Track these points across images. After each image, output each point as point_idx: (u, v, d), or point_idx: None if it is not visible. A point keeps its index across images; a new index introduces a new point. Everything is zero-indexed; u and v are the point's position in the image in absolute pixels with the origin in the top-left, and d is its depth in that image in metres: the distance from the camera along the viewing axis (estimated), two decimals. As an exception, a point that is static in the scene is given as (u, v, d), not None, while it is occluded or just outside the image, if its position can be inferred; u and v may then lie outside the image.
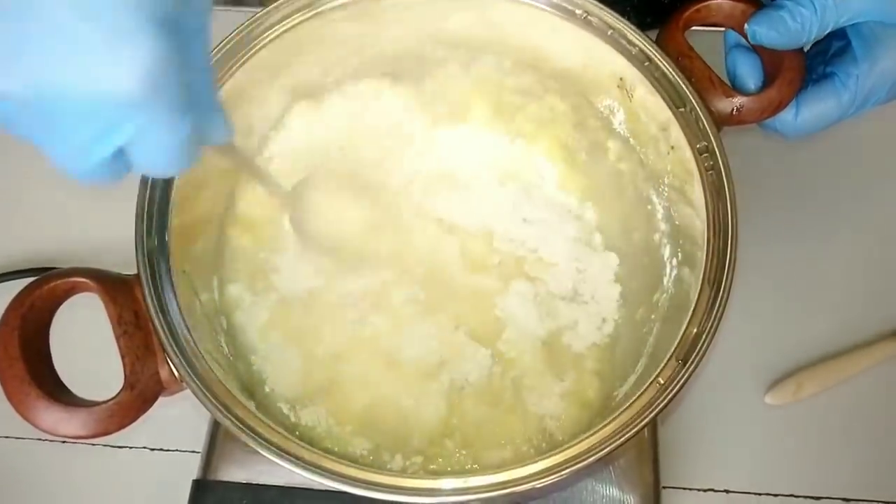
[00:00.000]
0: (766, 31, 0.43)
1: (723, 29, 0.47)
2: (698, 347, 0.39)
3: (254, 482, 0.47)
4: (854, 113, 0.45)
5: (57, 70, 0.27)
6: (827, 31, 0.43)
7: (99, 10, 0.27)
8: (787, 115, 0.45)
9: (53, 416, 0.37)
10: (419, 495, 0.37)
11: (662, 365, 0.39)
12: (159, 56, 0.27)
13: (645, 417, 0.38)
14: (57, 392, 0.38)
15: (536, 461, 0.38)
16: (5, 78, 0.27)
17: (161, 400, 0.40)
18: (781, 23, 0.42)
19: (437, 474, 0.41)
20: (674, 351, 0.39)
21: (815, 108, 0.45)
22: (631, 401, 0.39)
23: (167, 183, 0.42)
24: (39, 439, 0.55)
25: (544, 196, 0.51)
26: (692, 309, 0.40)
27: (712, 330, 0.39)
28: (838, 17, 0.42)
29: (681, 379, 0.38)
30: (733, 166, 0.43)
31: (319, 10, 0.47)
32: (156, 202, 0.42)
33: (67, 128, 0.28)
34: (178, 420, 0.54)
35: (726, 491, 0.53)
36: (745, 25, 0.44)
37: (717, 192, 0.42)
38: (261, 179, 0.45)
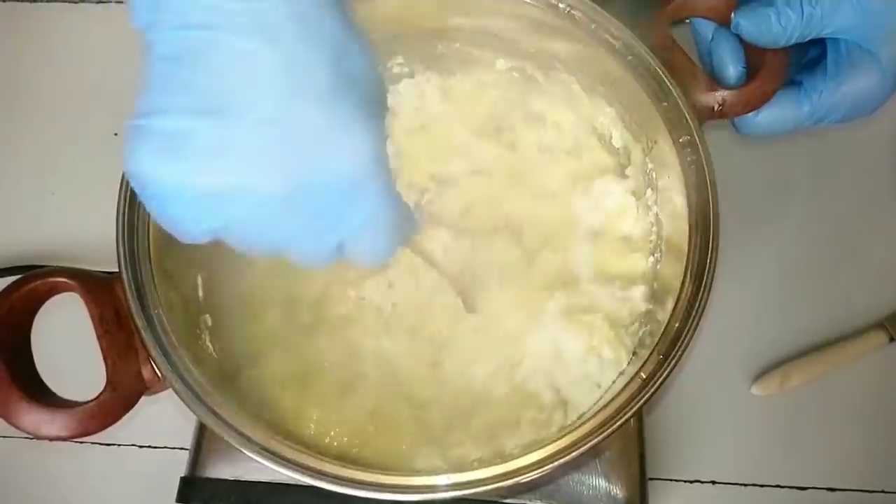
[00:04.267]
0: (750, 26, 0.43)
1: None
2: (680, 342, 0.39)
3: (242, 479, 0.47)
4: (809, 126, 0.45)
5: (311, 161, 0.28)
6: (807, 39, 0.43)
7: (338, 107, 0.29)
8: None
9: (35, 418, 0.37)
10: (405, 492, 0.37)
11: (645, 359, 0.39)
12: (378, 141, 0.30)
13: (627, 412, 0.38)
14: (38, 393, 0.38)
15: (522, 456, 0.38)
16: (270, 176, 0.28)
17: (148, 397, 0.40)
18: (766, 21, 0.42)
19: (421, 471, 0.42)
20: (656, 345, 0.39)
21: (775, 111, 0.45)
22: (613, 395, 0.39)
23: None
24: (26, 438, 0.55)
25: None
26: (674, 303, 0.40)
27: (694, 324, 0.39)
28: (822, 28, 0.42)
29: (663, 373, 0.38)
30: (715, 159, 0.43)
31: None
32: (137, 201, 0.42)
33: (310, 218, 0.30)
34: (166, 417, 0.54)
35: (712, 482, 0.53)
36: (732, 15, 0.44)
37: (699, 187, 0.42)
38: None
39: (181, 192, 0.28)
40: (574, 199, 0.52)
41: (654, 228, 0.48)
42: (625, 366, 0.46)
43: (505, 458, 0.38)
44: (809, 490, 0.53)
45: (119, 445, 0.56)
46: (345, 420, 0.46)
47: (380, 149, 0.30)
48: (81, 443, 0.55)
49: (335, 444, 0.46)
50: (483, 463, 0.38)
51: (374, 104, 0.30)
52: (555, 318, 0.48)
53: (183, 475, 0.48)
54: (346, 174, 0.29)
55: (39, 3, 0.70)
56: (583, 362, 0.47)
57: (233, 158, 0.28)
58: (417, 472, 0.38)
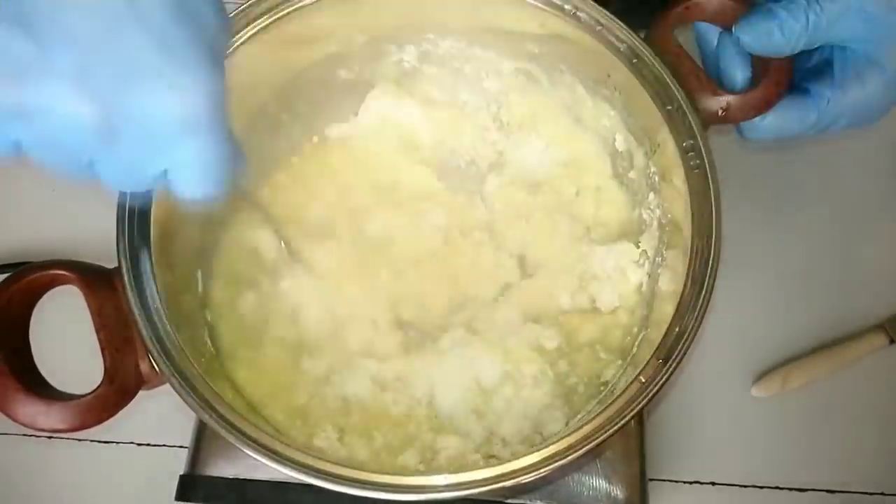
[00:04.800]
0: (753, 40, 0.43)
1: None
2: (680, 346, 0.39)
3: (241, 477, 0.47)
4: (814, 134, 0.45)
5: (135, 93, 0.28)
6: (813, 47, 0.43)
7: (174, 44, 0.28)
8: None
9: (32, 410, 0.37)
10: (404, 492, 0.37)
11: (644, 363, 0.39)
12: (220, 84, 0.29)
13: (626, 416, 0.38)
14: (36, 385, 0.38)
15: (522, 457, 0.38)
16: (89, 99, 0.27)
17: (147, 394, 0.40)
18: (769, 34, 0.42)
19: (422, 471, 0.41)
20: (656, 349, 0.39)
21: (780, 117, 0.44)
22: (613, 398, 0.39)
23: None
24: (24, 435, 0.55)
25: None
26: (675, 308, 0.40)
27: (695, 329, 0.39)
28: (827, 36, 0.42)
29: (662, 377, 0.38)
30: (720, 162, 0.43)
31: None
32: (138, 195, 0.42)
33: (129, 148, 0.29)
34: (165, 415, 0.54)
35: (712, 483, 0.53)
36: (734, 30, 0.43)
37: (701, 191, 0.42)
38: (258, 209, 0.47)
39: None
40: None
41: (657, 232, 0.48)
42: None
43: (505, 459, 0.38)
44: (809, 492, 0.53)
45: (118, 443, 0.56)
46: (343, 419, 0.46)
47: (213, 90, 0.29)
48: (80, 440, 0.55)
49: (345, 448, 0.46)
50: (483, 463, 0.38)
51: (214, 46, 0.30)
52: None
53: (182, 473, 0.48)
54: (175, 112, 0.28)
55: None
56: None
57: (41, 77, 0.27)
58: (416, 472, 0.38)
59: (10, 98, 0.27)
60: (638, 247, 0.49)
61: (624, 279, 0.49)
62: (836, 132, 0.45)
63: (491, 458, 0.44)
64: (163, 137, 0.29)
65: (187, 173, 0.31)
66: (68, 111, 0.27)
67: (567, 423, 0.45)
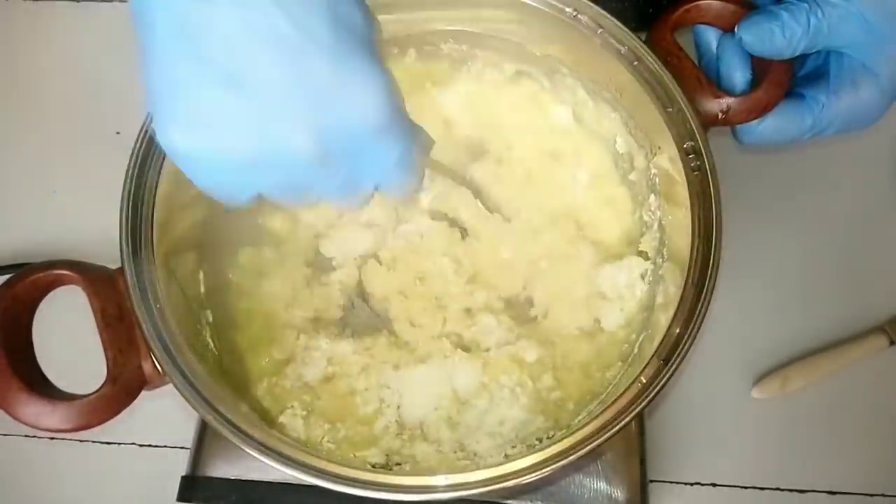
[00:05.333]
0: (754, 40, 0.43)
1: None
2: (680, 347, 0.39)
3: (242, 478, 0.47)
4: (809, 138, 0.45)
5: (332, 110, 0.30)
6: (813, 51, 0.43)
7: (346, 55, 0.30)
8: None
9: (35, 410, 0.37)
10: (406, 492, 0.37)
11: (645, 364, 0.39)
12: (390, 77, 0.31)
13: (626, 416, 0.38)
14: (39, 385, 0.38)
15: (522, 458, 0.38)
16: (302, 131, 0.30)
17: (149, 395, 0.40)
18: (770, 36, 0.42)
19: (424, 472, 0.41)
20: (656, 350, 0.39)
21: (777, 122, 0.44)
22: (613, 399, 0.39)
23: (152, 178, 0.42)
24: (27, 436, 0.55)
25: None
26: (675, 309, 0.40)
27: (695, 331, 0.39)
28: (828, 41, 0.42)
29: (662, 378, 0.38)
30: (720, 163, 0.43)
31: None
32: (141, 197, 0.42)
33: (342, 164, 0.31)
34: (167, 416, 0.54)
35: (713, 484, 0.53)
36: (736, 30, 0.44)
37: (702, 193, 0.42)
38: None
39: (218, 163, 0.29)
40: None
41: (657, 234, 0.48)
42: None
43: (505, 459, 0.38)
44: (809, 493, 0.53)
45: (120, 444, 0.56)
46: (347, 419, 0.46)
47: (390, 88, 0.31)
48: (82, 441, 0.55)
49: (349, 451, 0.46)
50: (487, 465, 0.38)
51: (373, 46, 0.31)
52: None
53: (184, 474, 0.48)
54: (368, 119, 0.30)
55: (42, 2, 0.71)
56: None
57: (260, 123, 0.29)
58: (417, 473, 0.38)
59: (245, 152, 0.29)
60: (647, 258, 0.49)
61: (632, 295, 0.49)
62: (831, 135, 0.45)
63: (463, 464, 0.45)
64: (366, 142, 0.31)
65: (396, 173, 0.33)
66: (291, 147, 0.29)
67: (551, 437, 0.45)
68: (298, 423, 0.45)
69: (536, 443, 0.44)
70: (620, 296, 0.49)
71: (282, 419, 0.45)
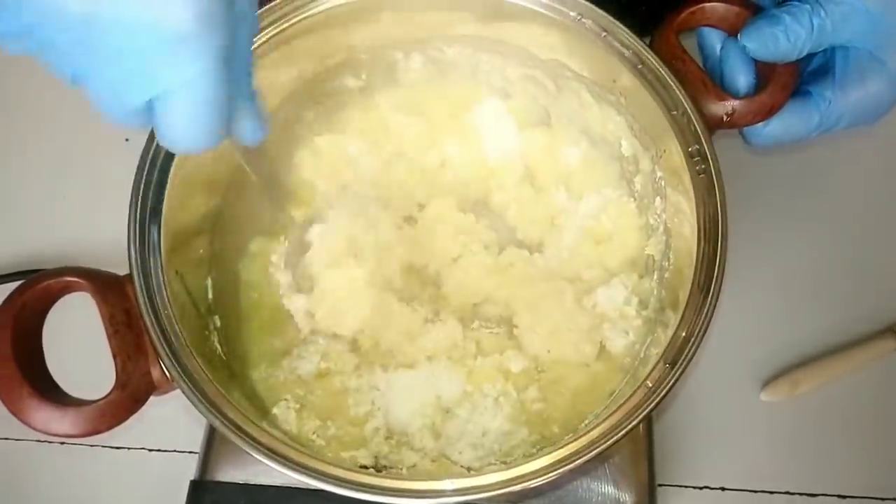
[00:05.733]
0: (758, 47, 0.43)
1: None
2: (686, 351, 0.39)
3: (251, 482, 0.47)
4: (820, 133, 0.45)
5: None
6: (819, 50, 0.43)
7: None
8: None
9: (45, 415, 0.37)
10: (413, 496, 0.37)
11: (651, 368, 0.39)
12: (219, 7, 0.27)
13: (633, 420, 0.38)
14: (49, 391, 0.38)
15: (529, 461, 0.38)
16: None
17: (159, 400, 0.40)
18: (774, 41, 0.42)
19: (432, 476, 0.42)
20: (662, 354, 0.39)
21: (784, 121, 0.44)
22: (620, 403, 0.39)
23: (161, 184, 0.42)
24: (38, 441, 0.56)
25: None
26: (681, 312, 0.40)
27: (701, 334, 0.39)
28: (833, 38, 0.42)
29: (669, 382, 0.38)
30: (725, 165, 0.43)
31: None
32: (149, 204, 0.42)
33: (112, 58, 0.27)
34: (176, 421, 0.54)
35: (722, 488, 0.53)
36: (739, 38, 0.44)
37: (707, 196, 0.42)
38: (279, 203, 0.46)
39: None
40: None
41: (663, 237, 0.48)
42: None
43: (513, 464, 0.38)
44: (819, 497, 0.53)
45: (129, 449, 0.56)
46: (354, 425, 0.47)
47: (216, 13, 0.27)
48: (92, 446, 0.56)
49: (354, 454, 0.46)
50: (491, 468, 0.38)
51: None
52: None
53: (193, 479, 0.48)
54: (169, 20, 0.26)
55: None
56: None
57: None
58: (424, 477, 0.38)
59: None
60: (640, 277, 0.49)
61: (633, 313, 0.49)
62: (841, 129, 0.45)
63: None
64: (146, 49, 0.27)
65: (175, 106, 0.28)
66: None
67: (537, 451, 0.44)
68: (291, 415, 0.46)
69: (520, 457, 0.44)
70: (623, 315, 0.49)
71: (275, 410, 0.46)
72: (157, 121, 0.29)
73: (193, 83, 0.28)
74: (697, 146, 0.43)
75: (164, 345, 0.39)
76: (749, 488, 0.53)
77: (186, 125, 0.29)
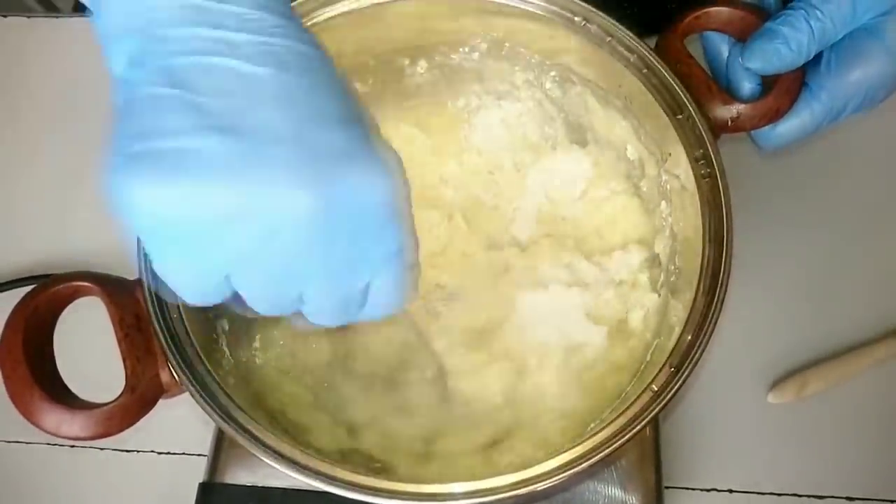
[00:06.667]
0: (762, 65, 0.43)
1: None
2: (692, 355, 0.39)
3: (260, 485, 0.47)
4: (830, 123, 0.45)
5: (337, 179, 0.26)
6: (826, 47, 0.43)
7: (358, 129, 0.27)
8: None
9: (56, 418, 0.37)
10: (421, 500, 0.37)
11: (657, 372, 0.39)
12: (402, 163, 0.28)
13: (639, 423, 0.38)
14: (60, 394, 0.39)
15: (537, 464, 0.38)
16: (297, 189, 0.25)
17: (168, 403, 0.40)
18: (777, 55, 0.42)
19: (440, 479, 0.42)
20: (668, 358, 0.39)
21: (792, 120, 0.44)
22: (625, 407, 0.39)
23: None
24: (48, 444, 0.56)
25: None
26: (687, 316, 0.40)
27: (706, 338, 0.39)
28: (837, 33, 0.42)
29: (674, 386, 0.38)
30: (731, 169, 0.43)
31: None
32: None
33: (342, 245, 0.27)
34: (185, 424, 0.54)
35: (729, 490, 0.53)
36: (741, 60, 0.44)
37: (712, 200, 0.42)
38: None
39: (187, 219, 0.24)
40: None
41: (669, 240, 0.48)
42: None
43: (520, 466, 0.38)
44: (828, 499, 0.52)
45: (138, 452, 0.56)
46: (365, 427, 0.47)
47: (403, 171, 0.28)
48: (102, 449, 0.56)
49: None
50: (503, 471, 0.38)
51: (378, 132, 0.29)
52: None
53: (202, 481, 0.48)
54: (377, 196, 0.26)
55: (62, 19, 0.72)
56: None
57: (252, 171, 0.24)
58: (433, 480, 0.39)
59: (225, 197, 0.24)
60: (659, 264, 0.49)
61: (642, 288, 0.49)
62: (850, 115, 0.45)
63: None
64: (368, 223, 0.27)
65: (392, 269, 0.28)
66: (286, 199, 0.25)
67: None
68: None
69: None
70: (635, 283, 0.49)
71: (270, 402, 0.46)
72: (371, 300, 0.30)
73: (400, 252, 0.29)
74: (702, 150, 0.43)
75: (173, 348, 0.39)
76: (757, 490, 0.53)
77: (395, 297, 0.30)
